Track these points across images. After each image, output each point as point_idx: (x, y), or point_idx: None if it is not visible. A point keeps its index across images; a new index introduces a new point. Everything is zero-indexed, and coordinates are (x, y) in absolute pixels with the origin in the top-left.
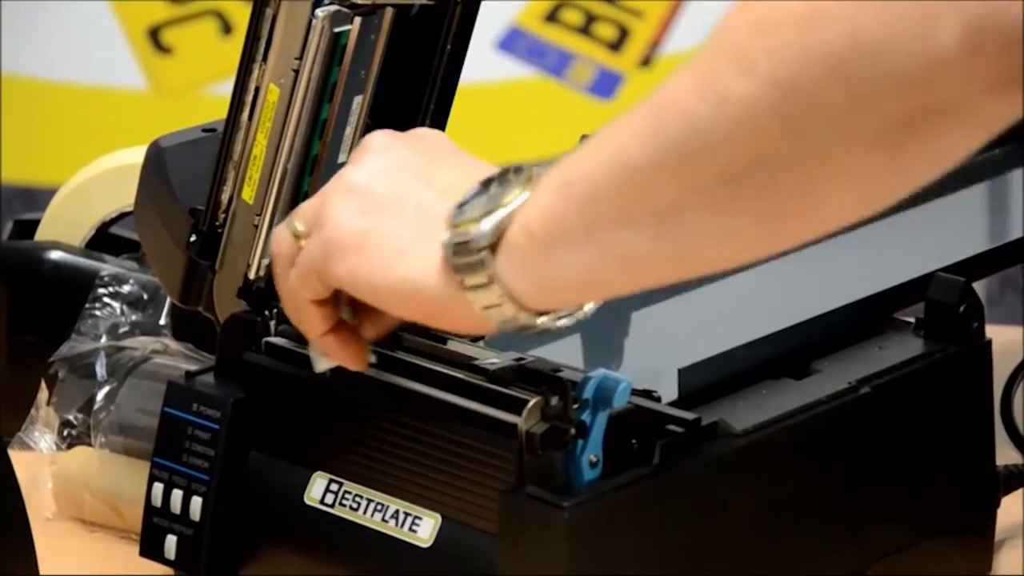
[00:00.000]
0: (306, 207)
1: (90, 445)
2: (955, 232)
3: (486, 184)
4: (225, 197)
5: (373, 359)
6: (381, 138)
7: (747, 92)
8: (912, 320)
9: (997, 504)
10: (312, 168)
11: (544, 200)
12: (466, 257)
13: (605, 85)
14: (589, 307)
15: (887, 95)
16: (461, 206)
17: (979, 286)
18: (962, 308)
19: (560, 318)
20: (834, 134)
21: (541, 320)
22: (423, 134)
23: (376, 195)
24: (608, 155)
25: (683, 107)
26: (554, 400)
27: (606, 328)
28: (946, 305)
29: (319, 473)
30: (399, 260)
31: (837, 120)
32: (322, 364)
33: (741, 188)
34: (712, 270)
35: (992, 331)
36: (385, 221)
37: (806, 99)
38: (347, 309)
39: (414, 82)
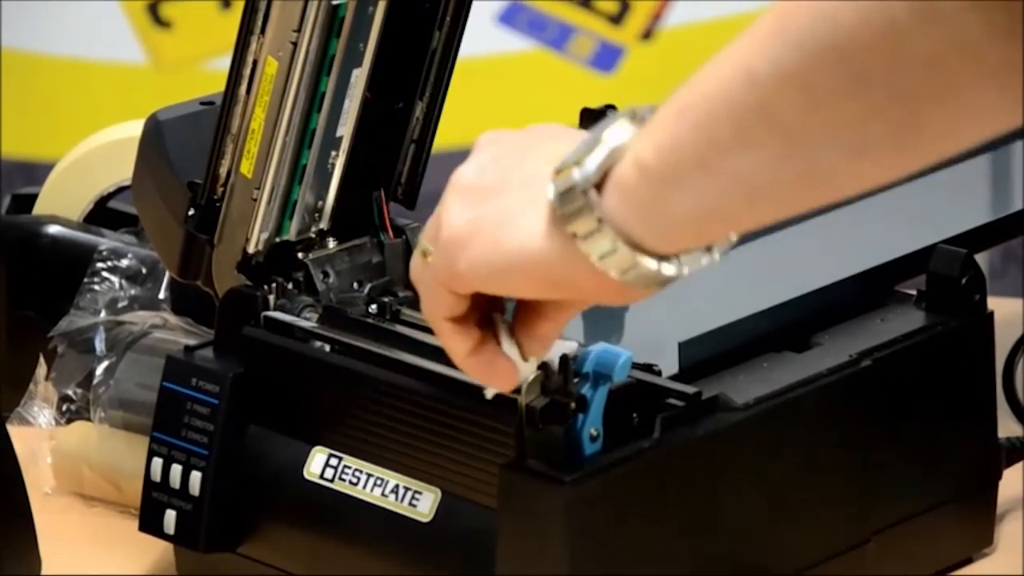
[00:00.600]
0: (428, 224)
1: (89, 420)
2: (957, 204)
3: (589, 133)
4: (223, 171)
5: (531, 374)
6: (489, 133)
7: (880, 4)
8: (914, 292)
9: (999, 476)
10: (311, 142)
11: (660, 130)
12: (572, 203)
13: (606, 59)
14: (717, 254)
15: None
16: (564, 159)
17: (981, 258)
18: (964, 280)
19: (683, 264)
20: (975, 22)
21: (665, 267)
22: (539, 126)
23: (484, 184)
24: (727, 70)
25: (810, 7)
26: (555, 374)
27: None
28: (948, 277)
29: (318, 448)
30: (510, 232)
31: (977, 7)
32: (490, 390)
33: (875, 92)
34: (844, 194)
35: (994, 303)
36: (492, 203)
37: None
38: (499, 325)
39: (413, 55)
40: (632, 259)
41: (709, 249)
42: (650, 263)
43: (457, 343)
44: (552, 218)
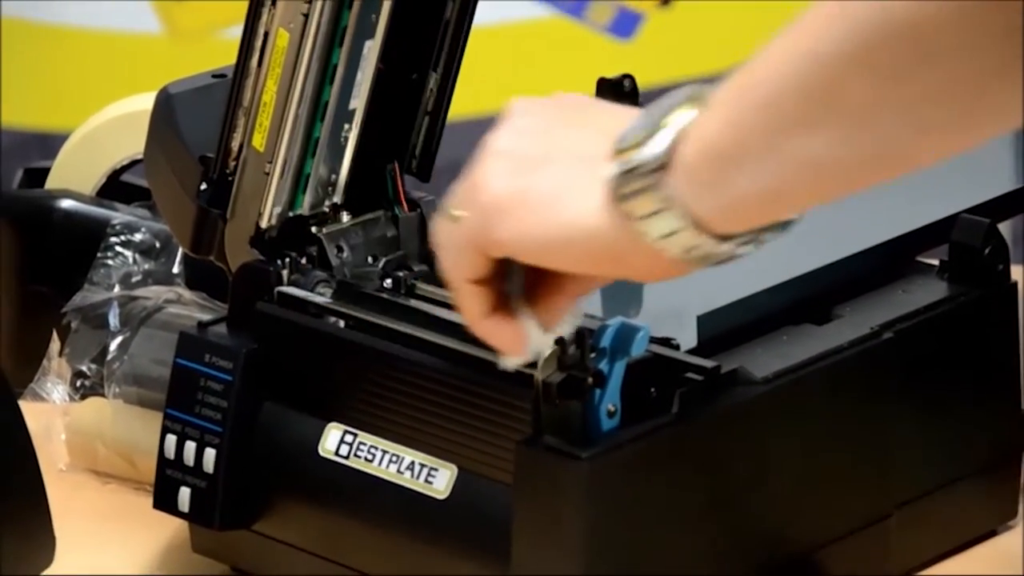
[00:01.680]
0: (458, 189)
1: (103, 396)
2: (979, 173)
3: (646, 114)
4: (235, 144)
5: (548, 350)
6: (522, 101)
7: None
8: (936, 263)
9: (1023, 448)
10: (323, 114)
11: (721, 111)
12: (635, 183)
13: (624, 25)
14: (773, 233)
15: None
16: (622, 138)
17: (1004, 227)
18: (987, 250)
19: (744, 243)
20: None
21: (724, 246)
22: (566, 94)
23: (526, 152)
24: (790, 50)
25: None
26: (571, 349)
27: None
28: (971, 247)
29: (333, 424)
30: (560, 207)
31: None
32: (505, 361)
33: (942, 71)
34: (907, 171)
35: (1017, 272)
36: (540, 175)
37: None
38: (517, 283)
39: (427, 26)
40: (696, 239)
41: (770, 228)
42: (712, 243)
43: (474, 304)
44: (610, 197)
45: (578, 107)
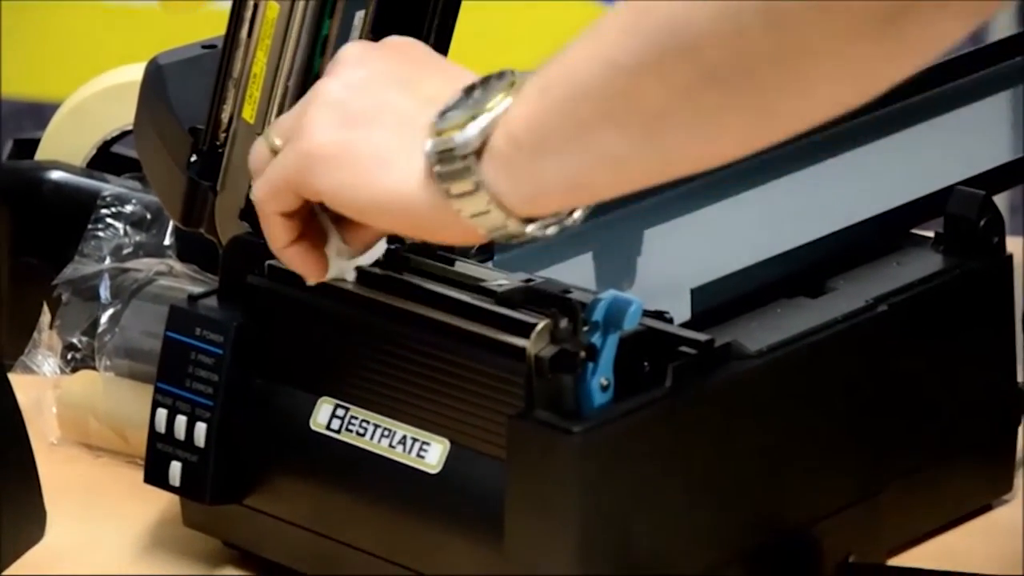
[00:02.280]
0: (283, 120)
1: (94, 369)
2: (974, 144)
3: (469, 90)
4: (225, 116)
5: (352, 276)
6: (356, 49)
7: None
8: (931, 235)
9: (1019, 422)
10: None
11: (526, 105)
12: (451, 164)
13: None
14: (578, 214)
15: None
16: (444, 113)
17: (999, 198)
18: (982, 222)
19: (549, 226)
20: (817, 26)
21: (530, 228)
22: (400, 43)
23: (355, 106)
24: (591, 55)
25: (665, 5)
26: (564, 322)
27: (617, 248)
28: (966, 219)
29: (325, 398)
30: (383, 171)
31: (820, 11)
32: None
33: (729, 86)
34: (702, 168)
35: (1012, 243)
36: (366, 132)
37: None
38: (325, 217)
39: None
40: (502, 220)
41: (571, 213)
42: (517, 226)
43: (281, 233)
44: (429, 172)
45: (411, 61)
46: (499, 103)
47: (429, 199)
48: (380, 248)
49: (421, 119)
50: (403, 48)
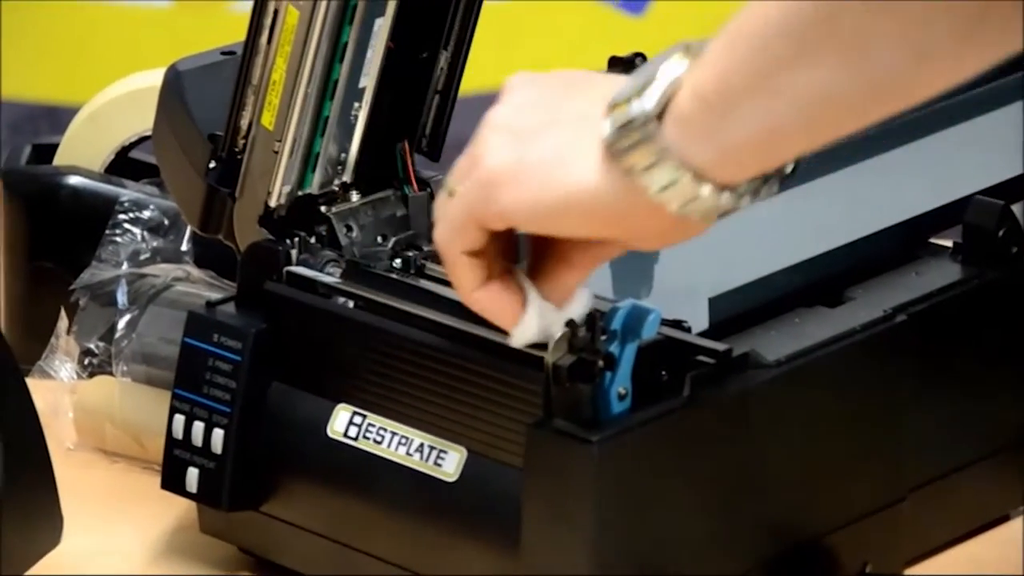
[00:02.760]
0: (458, 162)
1: (111, 374)
2: (993, 154)
3: (641, 69)
4: (244, 123)
5: (560, 330)
6: (522, 76)
7: None
8: (950, 245)
9: None
10: (333, 93)
11: (714, 58)
12: (630, 137)
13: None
14: (774, 184)
15: None
16: (617, 95)
17: (1017, 208)
18: (1001, 232)
19: (744, 195)
20: None
21: (724, 197)
22: (564, 71)
23: (526, 123)
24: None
25: None
26: (582, 331)
27: (635, 257)
28: (984, 229)
29: (342, 405)
30: (561, 171)
31: None
32: (516, 338)
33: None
34: (908, 102)
35: None
36: (540, 141)
37: None
38: (521, 274)
39: (437, 3)
40: (694, 190)
41: (767, 180)
42: (711, 193)
43: (468, 276)
44: (608, 154)
45: (578, 79)
46: (675, 64)
47: (612, 183)
48: (584, 299)
49: (595, 112)
50: (568, 72)
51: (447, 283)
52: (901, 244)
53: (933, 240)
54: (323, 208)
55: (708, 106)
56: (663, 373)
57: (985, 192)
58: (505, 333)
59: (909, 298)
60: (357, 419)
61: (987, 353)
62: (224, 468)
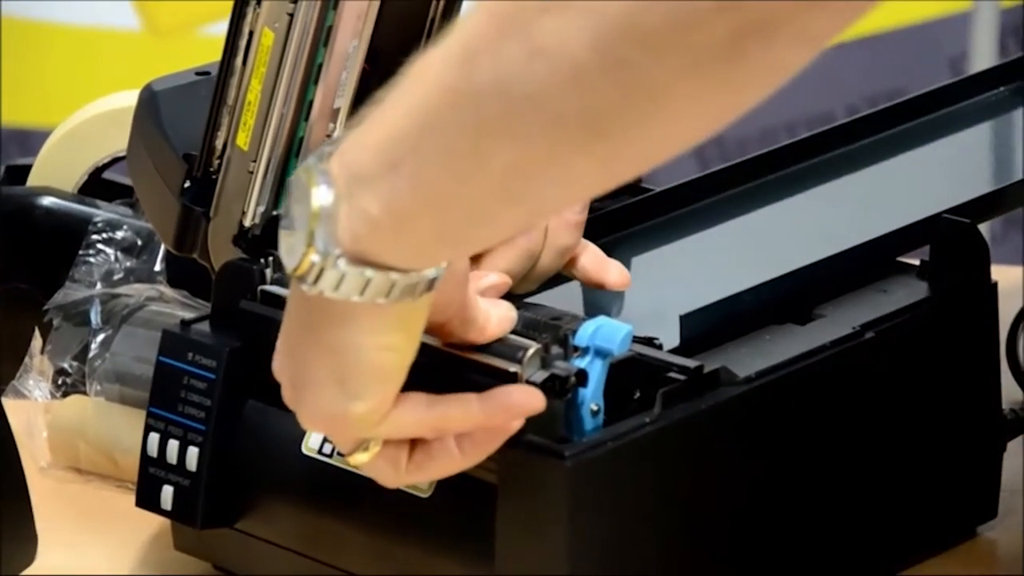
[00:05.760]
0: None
1: (85, 394)
2: (959, 174)
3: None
4: (219, 143)
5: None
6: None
7: (563, 50)
8: (917, 263)
9: (1003, 448)
10: (308, 114)
11: (374, 188)
12: (329, 278)
13: None
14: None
15: (704, 18)
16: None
17: (982, 226)
18: (967, 251)
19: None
20: (660, 66)
21: (427, 271)
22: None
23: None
24: (431, 117)
25: (499, 57)
26: (554, 348)
27: None
28: (951, 248)
29: None
30: (343, 368)
31: (661, 50)
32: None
33: (576, 134)
34: (556, 213)
35: (995, 271)
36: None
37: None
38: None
39: (412, 27)
40: (390, 280)
41: None
42: (412, 276)
43: (388, 472)
44: (340, 316)
45: (307, 338)
46: (323, 199)
47: (358, 322)
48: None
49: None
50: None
51: None
52: (869, 262)
53: (900, 258)
54: None
55: (383, 229)
56: (635, 390)
57: (951, 211)
58: (481, 348)
59: (877, 315)
60: None
61: (953, 370)
62: (199, 486)
